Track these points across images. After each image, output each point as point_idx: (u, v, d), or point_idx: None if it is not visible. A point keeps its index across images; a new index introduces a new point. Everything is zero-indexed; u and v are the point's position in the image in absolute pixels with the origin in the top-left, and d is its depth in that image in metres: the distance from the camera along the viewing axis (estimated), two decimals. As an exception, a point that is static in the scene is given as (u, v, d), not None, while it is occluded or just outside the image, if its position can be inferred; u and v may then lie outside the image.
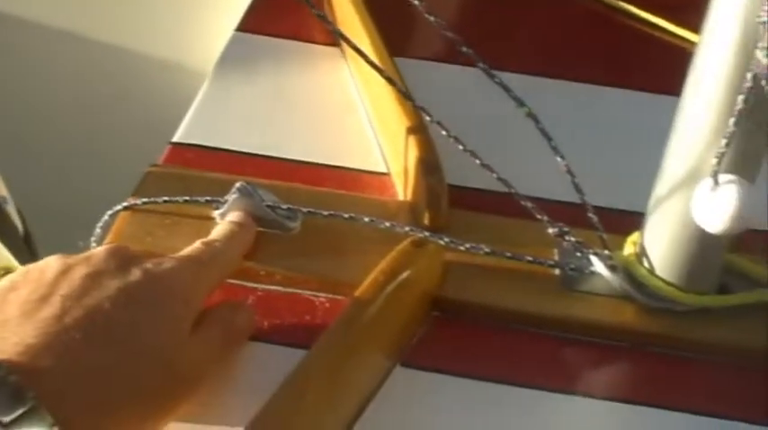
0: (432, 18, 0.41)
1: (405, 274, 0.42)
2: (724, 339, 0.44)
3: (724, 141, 0.36)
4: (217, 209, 0.46)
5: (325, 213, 0.45)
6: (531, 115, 0.44)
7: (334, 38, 0.59)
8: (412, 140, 0.49)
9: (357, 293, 0.40)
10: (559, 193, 0.46)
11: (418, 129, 0.49)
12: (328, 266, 0.45)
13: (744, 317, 0.44)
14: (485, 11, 0.66)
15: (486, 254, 0.44)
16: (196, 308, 0.39)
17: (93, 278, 0.36)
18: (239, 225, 0.44)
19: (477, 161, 0.44)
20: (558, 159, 0.44)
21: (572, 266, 0.44)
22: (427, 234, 0.45)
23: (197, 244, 0.42)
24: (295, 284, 0.44)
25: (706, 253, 0.43)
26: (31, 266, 0.38)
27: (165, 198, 0.46)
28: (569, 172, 0.44)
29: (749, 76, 0.33)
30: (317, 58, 0.59)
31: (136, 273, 0.37)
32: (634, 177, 0.44)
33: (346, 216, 0.45)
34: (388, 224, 0.45)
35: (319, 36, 0.61)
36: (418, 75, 0.55)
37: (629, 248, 0.45)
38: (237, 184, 0.45)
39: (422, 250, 0.43)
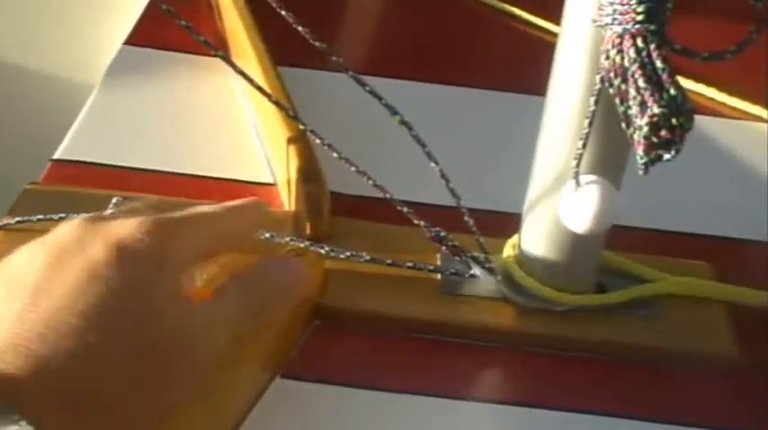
0: (300, 27, 0.41)
1: None
2: (602, 337, 0.44)
3: (580, 143, 0.36)
4: (91, 225, 0.45)
5: (203, 226, 0.45)
6: (404, 123, 0.44)
7: (225, 48, 0.59)
8: (293, 150, 0.48)
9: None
10: (445, 198, 0.46)
11: (299, 138, 0.49)
12: (208, 281, 0.44)
13: (621, 314, 0.45)
14: (366, 16, 0.66)
15: (367, 261, 0.44)
16: (173, 268, 0.36)
17: (57, 259, 0.34)
18: (245, 201, 0.43)
19: (353, 168, 0.44)
20: (432, 165, 0.44)
21: (452, 271, 0.45)
22: (307, 243, 0.44)
23: (193, 207, 0.40)
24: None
25: (580, 253, 0.43)
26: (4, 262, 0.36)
27: (40, 216, 0.45)
28: (443, 177, 0.44)
29: (597, 78, 0.34)
30: (205, 70, 0.58)
31: (96, 246, 0.35)
32: (517, 179, 0.45)
33: (225, 228, 0.45)
34: (267, 235, 0.45)
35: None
36: (305, 83, 0.55)
37: (508, 251, 0.46)
38: (114, 199, 0.45)
39: (299, 259, 0.43)
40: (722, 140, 0.58)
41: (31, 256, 0.35)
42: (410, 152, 0.45)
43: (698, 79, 0.62)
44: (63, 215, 0.45)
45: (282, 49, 0.54)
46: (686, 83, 0.62)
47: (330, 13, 0.67)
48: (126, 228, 0.36)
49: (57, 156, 0.51)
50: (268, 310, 0.39)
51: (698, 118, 0.59)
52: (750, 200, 0.55)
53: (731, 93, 0.61)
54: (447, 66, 0.61)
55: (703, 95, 0.61)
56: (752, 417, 0.43)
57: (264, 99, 0.52)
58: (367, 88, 0.43)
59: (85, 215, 0.37)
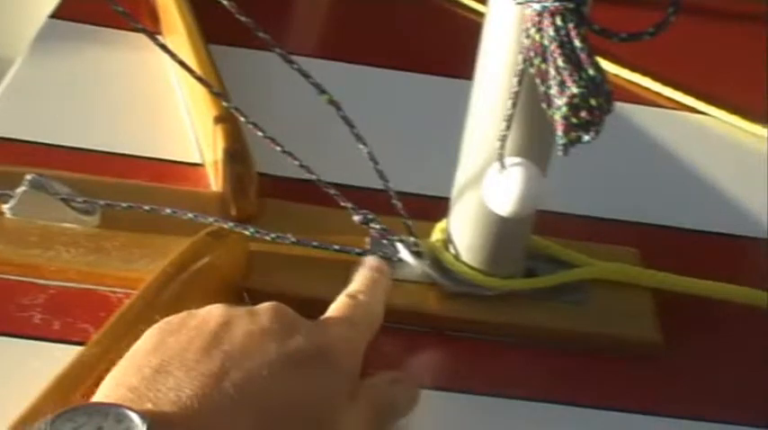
0: (225, 2, 0.40)
1: (198, 265, 0.40)
2: (528, 322, 0.44)
3: (504, 124, 0.36)
4: (5, 203, 0.43)
5: (124, 205, 0.44)
6: (332, 102, 0.43)
7: (156, 25, 0.58)
8: (220, 129, 0.47)
9: (143, 286, 0.39)
10: (374, 181, 0.46)
11: (227, 117, 0.48)
12: (128, 261, 0.43)
13: (549, 300, 0.45)
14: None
15: (293, 243, 0.44)
16: (354, 377, 0.37)
17: (255, 337, 0.35)
18: (379, 270, 0.42)
19: (278, 148, 0.43)
20: (361, 146, 0.44)
21: (379, 254, 0.44)
22: (231, 224, 0.43)
23: (342, 298, 0.40)
24: (90, 280, 0.42)
25: (508, 237, 0.43)
26: (195, 311, 0.36)
27: (-46, 193, 0.44)
28: (372, 158, 0.43)
29: (520, 57, 0.33)
30: (136, 46, 0.56)
31: (298, 340, 0.35)
32: (448, 163, 0.44)
33: (147, 208, 0.44)
34: (191, 215, 0.44)
35: (143, 23, 0.59)
36: (238, 62, 0.54)
37: (437, 235, 0.45)
38: (28, 177, 0.43)
39: (220, 240, 0.42)
40: (654, 129, 0.59)
41: (229, 319, 0.35)
42: (340, 134, 0.44)
43: (634, 69, 0.62)
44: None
45: (217, 27, 0.53)
46: (622, 72, 0.62)
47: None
48: (325, 330, 0.37)
49: (-27, 132, 0.50)
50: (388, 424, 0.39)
51: (630, 106, 0.62)
52: (679, 187, 0.55)
53: (665, 83, 0.61)
54: (379, 48, 0.61)
55: (638, 84, 0.62)
56: (674, 402, 0.43)
57: (195, 81, 0.51)
58: (295, 66, 0.43)
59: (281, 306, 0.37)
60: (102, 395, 0.32)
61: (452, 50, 0.62)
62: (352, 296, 0.40)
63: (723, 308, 0.46)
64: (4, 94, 0.52)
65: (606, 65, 0.58)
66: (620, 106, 0.58)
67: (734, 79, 0.64)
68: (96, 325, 0.40)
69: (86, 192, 0.45)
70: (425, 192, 0.49)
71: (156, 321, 0.37)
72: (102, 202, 0.44)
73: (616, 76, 0.62)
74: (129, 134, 0.52)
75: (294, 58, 0.43)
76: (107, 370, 0.36)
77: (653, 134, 0.59)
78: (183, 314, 0.36)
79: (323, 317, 0.39)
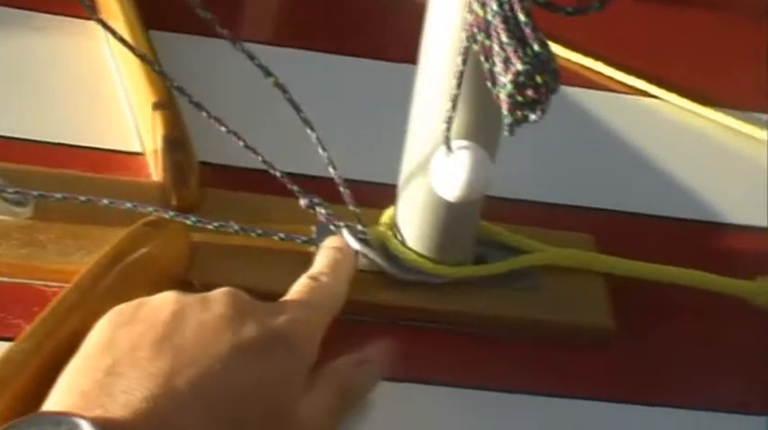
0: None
1: (135, 256, 0.39)
2: (479, 310, 0.43)
3: (449, 104, 0.35)
4: (-70, 195, 0.41)
5: (59, 196, 0.42)
6: (278, 85, 0.42)
7: (98, 10, 0.56)
8: (159, 116, 0.46)
9: (76, 278, 0.37)
10: (321, 169, 0.44)
11: (166, 104, 0.46)
12: (63, 254, 0.41)
13: (500, 287, 0.44)
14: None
15: (236, 232, 0.42)
16: (311, 362, 0.36)
17: (208, 328, 0.34)
18: (342, 250, 0.41)
19: (223, 128, 0.41)
20: (309, 131, 0.42)
21: (325, 243, 0.43)
22: (172, 214, 0.42)
23: (303, 280, 0.39)
24: (23, 274, 0.40)
25: (457, 223, 0.42)
26: (145, 299, 0.35)
27: None
28: (320, 143, 0.42)
29: (463, 35, 0.32)
30: (71, 32, 0.54)
31: (252, 327, 0.34)
32: (397, 150, 0.43)
33: (82, 198, 0.42)
34: (129, 205, 0.42)
35: (79, 9, 0.57)
36: (179, 47, 0.52)
37: (385, 222, 0.44)
38: (-46, 169, 0.41)
39: (158, 230, 0.40)
40: (606, 114, 0.58)
41: (181, 309, 0.34)
42: (286, 120, 0.43)
43: (585, 53, 0.61)
44: None
45: (158, 12, 0.51)
46: (575, 57, 0.61)
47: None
48: (279, 314, 0.36)
49: None
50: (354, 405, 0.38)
51: (582, 90, 0.61)
52: (632, 172, 0.55)
53: (617, 67, 0.61)
54: (327, 33, 0.59)
55: (589, 69, 0.61)
56: (629, 388, 0.43)
57: (134, 63, 0.49)
58: (239, 47, 0.41)
59: (234, 291, 0.36)
60: (54, 401, 0.31)
61: (401, 35, 0.60)
62: (313, 277, 0.39)
63: (676, 292, 0.46)
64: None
65: (557, 49, 0.57)
66: (571, 91, 0.60)
67: (685, 62, 0.63)
68: (30, 320, 0.38)
69: (19, 183, 0.42)
70: (374, 179, 0.48)
71: (91, 314, 0.36)
72: (35, 193, 0.42)
73: (568, 60, 0.61)
74: (66, 122, 0.49)
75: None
76: (41, 366, 0.34)
77: (605, 118, 0.58)
78: (135, 303, 0.35)
79: (282, 299, 0.38)
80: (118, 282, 0.37)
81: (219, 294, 0.36)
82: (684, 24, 0.67)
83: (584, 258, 0.46)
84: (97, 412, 0.30)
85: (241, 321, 0.35)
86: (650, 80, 0.60)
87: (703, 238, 0.52)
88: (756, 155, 0.58)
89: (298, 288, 0.39)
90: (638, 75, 0.60)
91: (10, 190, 0.42)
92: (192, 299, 0.35)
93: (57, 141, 0.49)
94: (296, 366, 0.35)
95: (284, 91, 0.42)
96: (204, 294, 0.36)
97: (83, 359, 0.33)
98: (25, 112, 0.50)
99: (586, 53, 0.61)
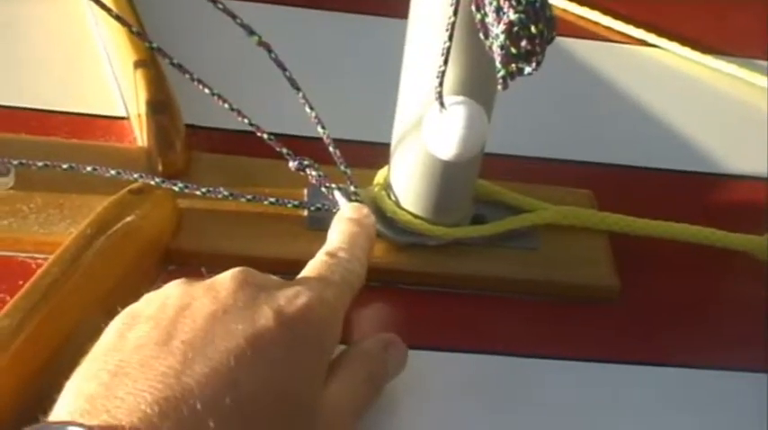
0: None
1: (119, 225, 0.37)
2: (479, 271, 0.42)
3: (441, 59, 0.33)
4: None
5: (40, 164, 0.40)
6: (262, 44, 0.40)
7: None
8: (142, 78, 0.44)
9: (59, 250, 0.36)
10: (310, 130, 0.43)
11: (149, 65, 0.44)
12: (46, 224, 0.40)
13: (500, 247, 0.43)
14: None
15: (225, 197, 0.41)
16: (333, 347, 0.34)
17: (219, 320, 0.31)
18: (359, 222, 0.38)
19: (207, 90, 0.40)
20: (296, 92, 0.41)
21: (317, 206, 0.41)
22: (158, 180, 0.40)
23: (320, 257, 0.36)
24: (5, 246, 0.39)
25: (453, 182, 0.41)
26: (152, 295, 0.33)
27: None
28: (307, 102, 0.40)
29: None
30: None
31: (266, 317, 0.32)
32: (389, 108, 0.42)
33: (65, 166, 0.40)
34: (113, 172, 0.40)
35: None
36: (162, 6, 0.51)
37: (378, 182, 0.43)
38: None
39: (143, 197, 0.39)
40: (604, 64, 0.56)
41: (189, 300, 0.32)
42: (273, 79, 0.41)
43: (582, 2, 0.59)
44: None
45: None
46: (571, 6, 0.59)
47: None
48: (296, 297, 0.33)
49: None
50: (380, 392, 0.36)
51: (578, 41, 0.59)
52: (631, 124, 0.53)
53: (614, 16, 0.59)
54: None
55: (586, 18, 0.59)
56: (634, 347, 0.42)
57: (116, 25, 0.47)
58: (220, 6, 0.39)
59: (243, 275, 0.34)
60: (62, 405, 0.29)
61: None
62: (330, 254, 0.37)
63: (680, 248, 0.45)
64: None
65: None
66: (568, 41, 0.58)
67: (684, 10, 0.62)
68: (14, 293, 0.37)
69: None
70: (365, 138, 0.46)
71: (76, 286, 0.35)
72: (15, 162, 0.40)
73: (564, 10, 0.59)
74: (47, 87, 0.48)
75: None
76: (26, 340, 0.33)
77: (603, 69, 0.56)
78: (143, 301, 0.33)
79: (298, 277, 0.35)
80: (102, 253, 0.36)
81: (228, 280, 0.33)
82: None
83: (585, 215, 0.44)
84: (103, 417, 0.28)
85: (254, 309, 0.32)
86: (649, 29, 0.58)
87: (706, 190, 0.50)
88: (759, 103, 0.56)
89: (314, 265, 0.36)
90: (637, 24, 0.59)
91: (-11, 160, 0.40)
92: (199, 289, 0.33)
93: (38, 107, 0.47)
94: (316, 356, 0.33)
95: (269, 50, 0.40)
96: (212, 280, 0.33)
97: (90, 361, 0.31)
98: (6, 78, 0.48)
99: (582, 2, 0.59)
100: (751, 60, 0.58)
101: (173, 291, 0.33)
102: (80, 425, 0.27)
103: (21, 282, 0.37)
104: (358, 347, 0.36)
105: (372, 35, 0.55)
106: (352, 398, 0.34)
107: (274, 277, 0.35)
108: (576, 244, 0.44)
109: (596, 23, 0.59)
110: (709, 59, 0.57)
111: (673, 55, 0.58)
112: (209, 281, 0.33)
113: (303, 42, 0.53)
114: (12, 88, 0.47)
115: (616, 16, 0.59)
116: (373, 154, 0.43)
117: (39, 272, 0.35)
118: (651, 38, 0.58)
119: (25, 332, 0.33)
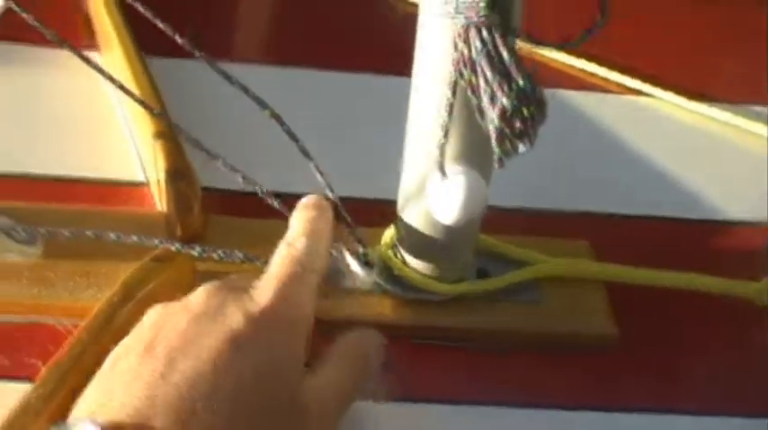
0: (143, 10, 0.40)
1: (144, 292, 0.40)
2: (483, 325, 0.44)
3: (441, 133, 0.35)
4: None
5: (67, 232, 0.43)
6: (274, 116, 0.43)
7: (92, 38, 0.56)
8: (160, 146, 0.46)
9: (88, 319, 0.38)
10: (321, 190, 0.45)
11: (167, 134, 0.47)
12: (73, 291, 0.42)
13: (503, 300, 0.45)
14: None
15: (241, 261, 0.43)
16: (307, 330, 0.36)
17: (192, 327, 0.34)
18: (317, 207, 0.40)
19: (220, 165, 0.42)
20: (307, 160, 0.43)
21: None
22: (178, 245, 0.43)
23: (282, 248, 0.38)
24: (35, 313, 0.41)
25: (456, 242, 0.43)
26: (137, 325, 0.36)
27: None
28: (319, 171, 0.42)
29: (451, 69, 0.33)
30: (72, 65, 0.55)
31: (236, 316, 0.34)
32: (396, 165, 0.44)
33: (90, 234, 0.43)
34: (135, 238, 0.43)
35: (79, 41, 0.57)
36: (178, 74, 0.53)
37: (386, 241, 0.45)
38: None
39: (165, 264, 0.41)
40: (600, 114, 0.58)
41: (165, 315, 0.35)
42: (284, 142, 0.44)
43: (579, 55, 0.61)
44: None
45: (155, 38, 0.52)
46: (567, 59, 0.61)
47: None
48: (263, 293, 0.35)
49: None
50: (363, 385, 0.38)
51: (570, 92, 0.61)
52: (628, 173, 0.55)
53: (610, 67, 0.61)
54: (320, 49, 0.60)
55: (582, 70, 0.61)
56: (637, 395, 0.43)
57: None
58: (234, 82, 0.42)
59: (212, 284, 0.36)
60: None
61: (394, 47, 0.61)
62: (291, 244, 0.38)
63: (679, 296, 0.46)
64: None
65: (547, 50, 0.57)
66: (565, 94, 0.59)
67: (680, 59, 0.63)
68: (45, 358, 0.39)
69: (27, 221, 0.43)
70: (371, 196, 0.48)
71: (105, 353, 0.37)
72: (42, 231, 0.43)
73: (560, 62, 0.61)
74: (68, 155, 0.50)
75: (234, 65, 0.42)
76: (57, 411, 0.35)
77: (599, 119, 0.58)
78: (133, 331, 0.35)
79: (264, 274, 0.37)
80: (129, 320, 0.38)
81: (198, 292, 0.36)
82: (675, 21, 0.67)
83: (583, 267, 0.46)
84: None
85: (224, 311, 0.34)
86: (645, 79, 0.60)
87: (705, 238, 0.52)
88: (756, 149, 0.57)
89: (277, 258, 0.38)
90: (633, 74, 0.61)
91: (19, 229, 0.43)
92: (174, 306, 0.35)
93: (61, 175, 0.49)
94: (291, 343, 0.35)
95: (281, 123, 0.42)
96: (186, 298, 0.36)
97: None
98: (29, 148, 0.51)
99: (579, 54, 0.61)
100: (748, 107, 0.60)
101: (150, 313, 0.36)
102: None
103: (50, 347, 0.40)
104: (340, 340, 0.38)
105: (379, 93, 0.57)
106: (337, 389, 0.36)
107: (245, 274, 0.38)
108: (575, 295, 0.46)
109: (592, 74, 0.61)
110: (705, 107, 0.59)
111: (669, 104, 0.59)
112: (183, 299, 0.36)
113: (311, 102, 0.55)
114: (38, 158, 0.50)
115: (612, 67, 0.61)
116: (377, 211, 0.45)
117: (70, 340, 0.38)
118: (647, 88, 0.60)
119: (56, 400, 0.35)
